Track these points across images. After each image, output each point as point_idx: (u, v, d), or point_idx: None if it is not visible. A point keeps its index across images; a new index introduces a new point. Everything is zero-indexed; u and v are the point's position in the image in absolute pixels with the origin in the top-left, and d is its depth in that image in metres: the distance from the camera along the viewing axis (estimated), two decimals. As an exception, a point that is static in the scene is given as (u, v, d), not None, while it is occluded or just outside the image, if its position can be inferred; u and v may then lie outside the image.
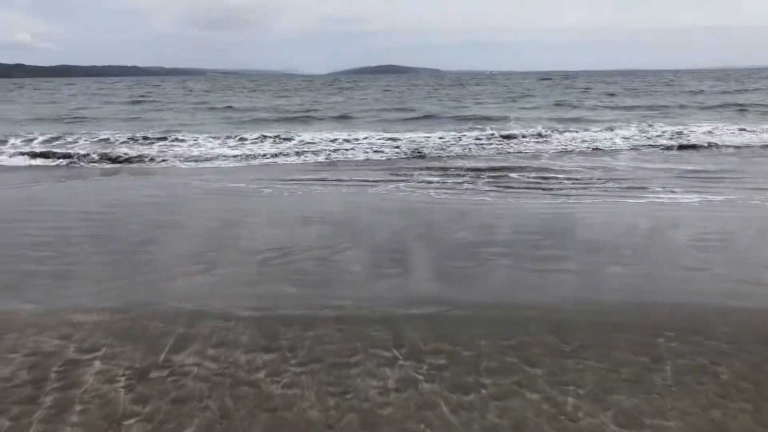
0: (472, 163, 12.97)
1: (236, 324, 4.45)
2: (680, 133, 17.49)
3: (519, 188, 10.00)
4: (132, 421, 3.23)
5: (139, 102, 38.60)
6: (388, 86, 62.31)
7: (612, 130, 18.57)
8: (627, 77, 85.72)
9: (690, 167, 12.04)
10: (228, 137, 17.59)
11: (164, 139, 17.48)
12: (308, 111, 29.19)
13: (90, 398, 3.44)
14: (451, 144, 15.96)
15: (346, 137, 17.08)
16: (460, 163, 13.16)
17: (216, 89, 61.02)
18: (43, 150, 15.61)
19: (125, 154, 15.10)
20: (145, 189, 10.86)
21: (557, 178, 10.88)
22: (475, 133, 17.74)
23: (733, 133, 17.64)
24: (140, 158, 14.66)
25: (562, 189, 9.82)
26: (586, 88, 49.13)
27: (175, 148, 16.06)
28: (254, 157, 14.68)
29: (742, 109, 26.78)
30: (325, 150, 15.28)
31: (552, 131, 18.09)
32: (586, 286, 5.20)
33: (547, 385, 3.48)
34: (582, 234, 6.94)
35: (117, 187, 11.24)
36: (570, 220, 7.63)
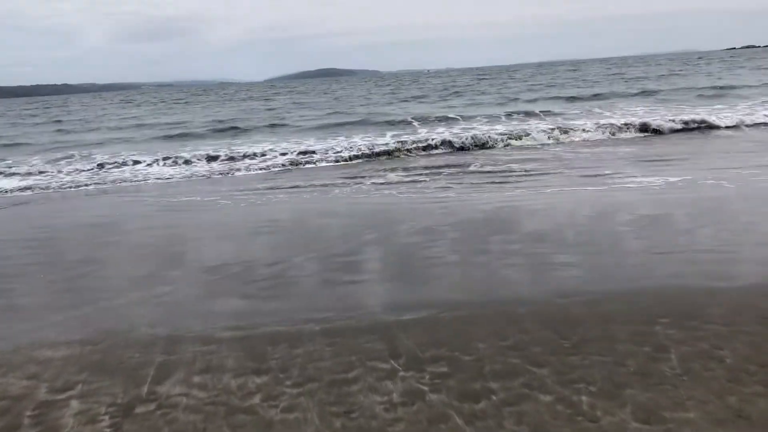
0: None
1: (218, 347, 4.19)
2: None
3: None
4: (123, 464, 2.97)
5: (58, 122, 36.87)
6: (306, 90, 61.93)
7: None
8: (556, 68, 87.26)
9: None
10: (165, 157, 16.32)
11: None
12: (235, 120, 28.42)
13: (73, 443, 3.15)
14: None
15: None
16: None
17: (146, 103, 59.44)
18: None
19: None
20: (94, 209, 10.37)
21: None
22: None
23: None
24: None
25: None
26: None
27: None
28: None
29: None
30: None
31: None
32: (571, 276, 5.14)
33: (557, 385, 3.37)
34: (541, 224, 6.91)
35: (62, 209, 10.68)
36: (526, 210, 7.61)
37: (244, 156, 15.46)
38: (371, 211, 8.39)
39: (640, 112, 19.60)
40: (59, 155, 18.70)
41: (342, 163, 14.02)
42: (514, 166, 11.69)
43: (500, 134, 16.06)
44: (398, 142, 15.73)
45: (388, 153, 14.60)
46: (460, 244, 6.33)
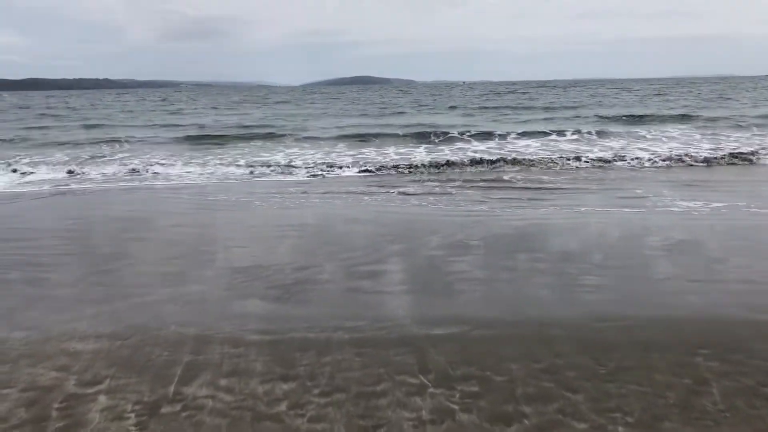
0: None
1: (247, 350, 4.16)
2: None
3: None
4: (147, 464, 2.94)
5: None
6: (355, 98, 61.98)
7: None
8: (589, 86, 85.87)
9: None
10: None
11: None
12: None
13: (98, 439, 3.14)
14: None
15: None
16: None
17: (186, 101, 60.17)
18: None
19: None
20: (135, 204, 10.49)
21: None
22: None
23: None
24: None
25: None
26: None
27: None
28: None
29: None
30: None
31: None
32: (607, 300, 5.00)
33: (592, 413, 3.26)
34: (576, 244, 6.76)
35: (103, 202, 10.82)
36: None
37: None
38: (402, 221, 8.31)
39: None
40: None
41: (373, 172, 13.89)
42: (551, 182, 11.53)
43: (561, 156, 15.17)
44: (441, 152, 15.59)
45: (435, 165, 14.33)
46: (491, 259, 6.22)
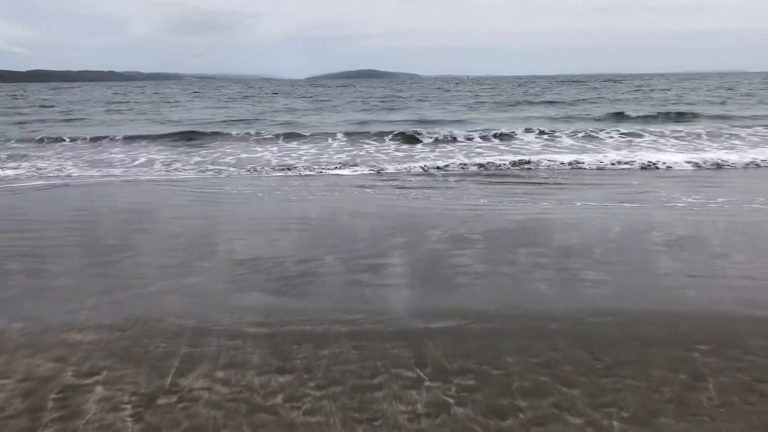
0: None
1: (244, 342, 4.17)
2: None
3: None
4: (143, 455, 2.95)
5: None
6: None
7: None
8: (586, 82, 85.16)
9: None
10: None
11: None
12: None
13: (95, 429, 3.14)
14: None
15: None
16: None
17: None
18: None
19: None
20: (136, 195, 10.50)
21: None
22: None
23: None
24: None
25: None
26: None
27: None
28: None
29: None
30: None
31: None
32: (605, 295, 5.00)
33: (588, 408, 3.26)
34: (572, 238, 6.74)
35: (106, 193, 10.84)
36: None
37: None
38: (402, 214, 8.30)
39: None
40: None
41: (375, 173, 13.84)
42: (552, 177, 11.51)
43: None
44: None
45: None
46: (490, 253, 6.21)
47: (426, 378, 3.62)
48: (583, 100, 38.33)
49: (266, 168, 13.42)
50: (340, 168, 13.19)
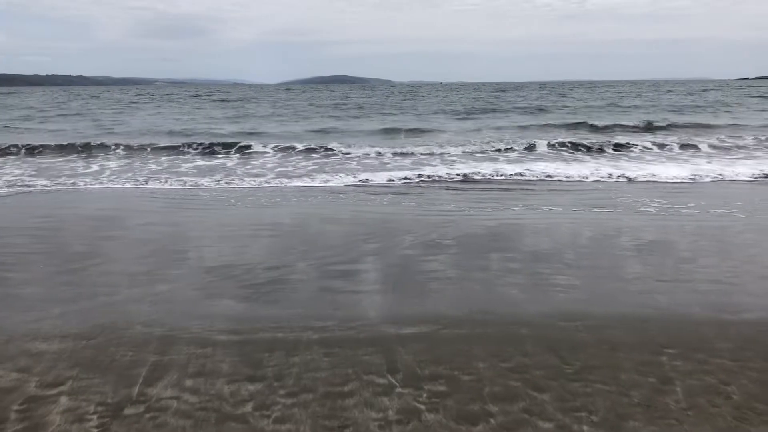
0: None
1: (213, 350, 4.11)
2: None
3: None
4: (108, 467, 2.89)
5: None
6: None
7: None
8: (554, 89, 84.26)
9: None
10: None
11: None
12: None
13: (58, 442, 3.07)
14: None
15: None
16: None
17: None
18: None
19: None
20: (102, 202, 10.33)
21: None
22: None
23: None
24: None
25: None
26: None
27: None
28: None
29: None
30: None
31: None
32: (575, 299, 5.04)
33: (558, 412, 3.27)
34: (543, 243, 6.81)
35: (69, 200, 10.64)
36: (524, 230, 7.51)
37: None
38: (374, 220, 8.29)
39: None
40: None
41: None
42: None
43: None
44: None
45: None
46: (462, 259, 6.23)
47: (397, 384, 3.61)
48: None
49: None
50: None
